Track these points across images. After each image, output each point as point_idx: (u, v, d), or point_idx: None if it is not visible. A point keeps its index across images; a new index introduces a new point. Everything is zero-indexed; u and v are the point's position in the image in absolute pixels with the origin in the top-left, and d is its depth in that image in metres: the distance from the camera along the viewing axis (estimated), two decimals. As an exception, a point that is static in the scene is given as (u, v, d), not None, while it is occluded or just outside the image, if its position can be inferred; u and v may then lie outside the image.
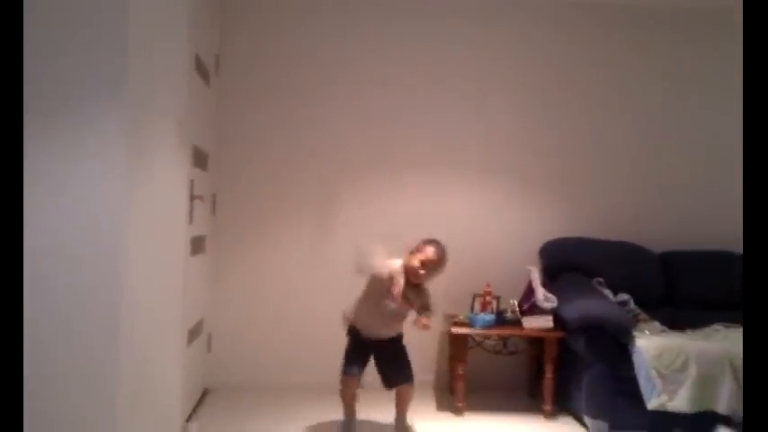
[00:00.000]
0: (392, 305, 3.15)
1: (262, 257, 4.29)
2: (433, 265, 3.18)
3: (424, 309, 3.19)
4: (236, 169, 4.27)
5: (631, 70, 4.53)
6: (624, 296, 3.94)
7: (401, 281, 3.15)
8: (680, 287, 4.14)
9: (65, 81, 2.20)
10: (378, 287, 3.20)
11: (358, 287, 4.23)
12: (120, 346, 2.42)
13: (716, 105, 4.54)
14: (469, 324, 3.80)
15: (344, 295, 4.24)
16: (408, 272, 3.18)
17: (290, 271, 4.29)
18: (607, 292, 3.94)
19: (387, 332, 3.31)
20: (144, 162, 2.56)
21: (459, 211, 4.39)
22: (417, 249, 3.20)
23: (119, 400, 2.43)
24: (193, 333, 3.67)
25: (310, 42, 4.36)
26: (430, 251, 3.17)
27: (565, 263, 4.19)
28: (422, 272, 3.16)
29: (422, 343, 4.30)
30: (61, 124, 2.15)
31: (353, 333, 3.36)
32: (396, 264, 3.20)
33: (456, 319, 3.86)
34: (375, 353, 3.33)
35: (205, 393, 4.06)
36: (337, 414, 3.56)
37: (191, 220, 3.42)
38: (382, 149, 4.38)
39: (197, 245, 3.69)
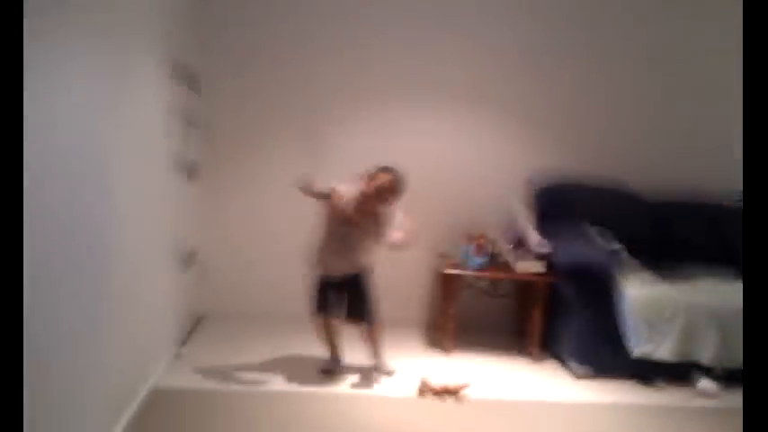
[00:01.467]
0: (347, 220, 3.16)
1: (254, 185, 4.23)
2: (387, 192, 3.15)
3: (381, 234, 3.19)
4: (229, 97, 4.13)
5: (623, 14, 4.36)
6: (615, 244, 3.95)
7: (350, 201, 3.17)
8: (671, 237, 4.14)
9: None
10: (333, 216, 3.20)
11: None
12: (112, 265, 2.40)
13: (712, 50, 4.39)
14: (463, 265, 3.81)
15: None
16: (364, 198, 3.18)
17: (281, 201, 4.20)
18: (599, 238, 3.95)
19: (348, 266, 3.27)
20: (126, 77, 2.51)
21: (446, 142, 4.29)
22: (371, 177, 3.19)
23: (112, 319, 2.43)
24: (188, 260, 3.66)
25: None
26: (383, 177, 3.16)
27: (557, 206, 4.14)
28: (374, 197, 3.15)
29: (412, 281, 4.35)
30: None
31: (317, 273, 3.34)
32: (349, 189, 3.21)
33: (449, 260, 3.87)
34: (339, 290, 3.31)
35: (199, 320, 4.08)
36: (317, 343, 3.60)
37: (168, 136, 3.27)
38: (365, 77, 4.22)
39: (191, 170, 3.61)
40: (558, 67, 4.31)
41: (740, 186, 4.06)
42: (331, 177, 3.26)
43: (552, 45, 4.30)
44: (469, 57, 4.27)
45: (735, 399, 3.31)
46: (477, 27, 4.26)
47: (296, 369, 3.40)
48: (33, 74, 1.66)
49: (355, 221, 3.16)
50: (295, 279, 4.21)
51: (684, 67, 4.41)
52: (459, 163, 4.30)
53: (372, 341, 3.41)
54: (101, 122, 2.26)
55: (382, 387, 3.28)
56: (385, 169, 3.20)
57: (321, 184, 3.14)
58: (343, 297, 3.31)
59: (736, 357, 3.40)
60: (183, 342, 3.63)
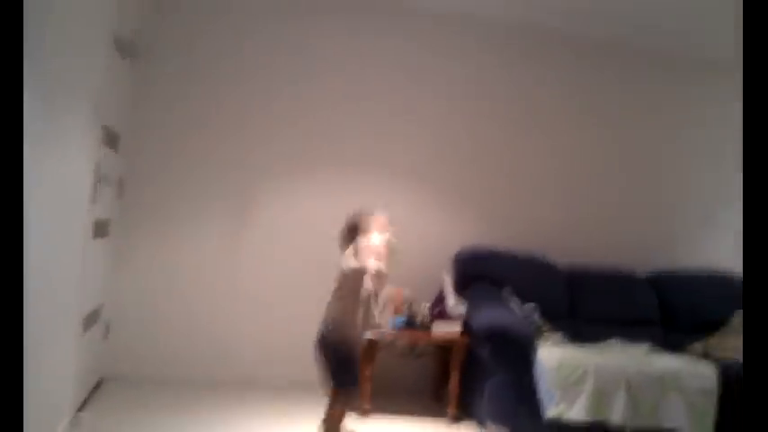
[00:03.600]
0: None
1: (170, 246, 4.12)
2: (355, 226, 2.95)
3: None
4: (148, 153, 4.09)
5: (550, 89, 4.68)
6: (530, 307, 4.05)
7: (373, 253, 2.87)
8: (583, 302, 4.30)
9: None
10: (351, 281, 2.88)
11: (267, 281, 4.18)
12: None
13: (629, 122, 4.79)
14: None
15: (255, 287, 4.18)
16: (375, 251, 2.90)
17: (199, 261, 4.14)
18: (514, 302, 4.03)
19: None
20: (50, 139, 2.42)
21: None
22: (365, 225, 2.94)
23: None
24: (91, 319, 3.48)
25: (234, 33, 4.25)
26: (381, 218, 2.98)
27: (476, 271, 4.27)
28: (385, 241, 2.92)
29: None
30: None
31: (345, 340, 2.92)
32: (354, 256, 2.91)
33: (366, 321, 3.84)
34: None
35: (100, 383, 3.85)
36: (233, 414, 3.46)
37: (94, 201, 3.24)
38: (302, 145, 4.31)
39: (100, 228, 3.50)
40: (484, 142, 4.56)
41: (651, 260, 4.46)
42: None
43: (479, 122, 4.56)
44: (407, 134, 4.46)
45: (643, 459, 3.38)
46: (417, 106, 4.47)
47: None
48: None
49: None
50: (204, 343, 4.11)
51: (602, 141, 4.75)
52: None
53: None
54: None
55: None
56: (367, 211, 3.02)
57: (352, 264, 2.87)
58: None
59: (644, 418, 3.50)
60: (82, 406, 3.40)
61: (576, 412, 3.46)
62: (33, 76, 2.17)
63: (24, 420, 2.48)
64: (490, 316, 3.71)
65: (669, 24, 4.35)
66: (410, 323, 3.84)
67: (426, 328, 3.80)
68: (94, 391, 3.71)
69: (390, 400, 3.95)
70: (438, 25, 4.51)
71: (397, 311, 3.82)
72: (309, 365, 4.10)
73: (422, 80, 4.49)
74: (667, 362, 3.73)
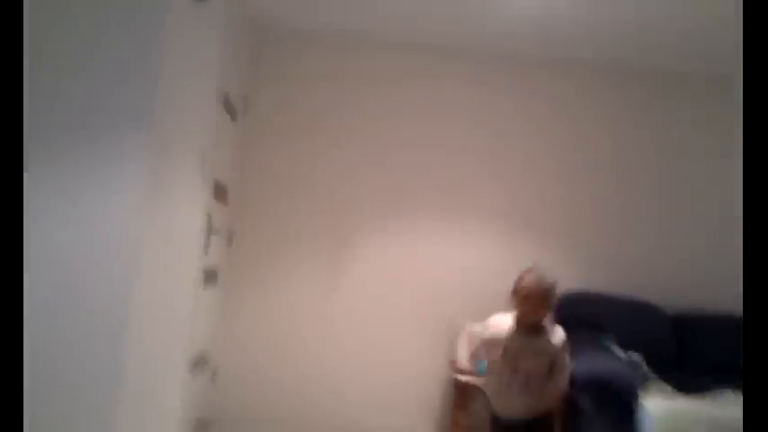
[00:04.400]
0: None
1: (274, 294, 4.33)
2: (536, 296, 2.65)
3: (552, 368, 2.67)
4: (255, 206, 4.36)
5: (639, 128, 4.57)
6: (635, 356, 3.87)
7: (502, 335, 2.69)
8: (692, 350, 4.06)
9: (91, 108, 2.30)
10: (494, 353, 2.73)
11: (370, 328, 4.28)
12: (125, 373, 2.45)
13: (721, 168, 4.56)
14: (476, 372, 3.76)
15: (354, 333, 4.29)
16: (518, 317, 2.69)
17: (302, 309, 4.32)
18: (617, 349, 3.88)
19: (525, 409, 2.77)
20: (163, 193, 2.62)
21: (469, 256, 4.40)
22: (517, 287, 2.72)
23: (123, 422, 2.45)
24: (198, 364, 3.69)
25: (335, 91, 4.51)
26: (526, 279, 2.68)
27: (577, 317, 4.12)
28: (525, 307, 2.65)
29: (424, 388, 4.30)
30: (85, 150, 2.25)
31: (493, 416, 2.91)
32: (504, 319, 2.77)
33: (459, 366, 3.83)
34: None
35: (207, 426, 4.05)
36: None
37: (206, 252, 3.48)
38: (397, 194, 4.45)
39: (210, 277, 3.73)
40: (575, 183, 4.51)
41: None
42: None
43: (568, 163, 4.52)
44: (495, 177, 4.50)
45: None
46: (503, 147, 4.53)
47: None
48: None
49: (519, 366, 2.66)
50: (308, 390, 4.23)
51: (699, 179, 4.54)
52: (480, 272, 4.36)
53: None
54: (136, 228, 2.39)
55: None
56: (527, 271, 2.73)
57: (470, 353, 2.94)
58: None
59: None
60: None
61: (687, 469, 3.26)
62: (149, 132, 2.39)
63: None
64: (591, 363, 3.58)
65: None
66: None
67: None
68: (201, 432, 3.91)
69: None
70: (537, 69, 4.58)
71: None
72: (407, 411, 4.19)
73: (518, 118, 4.54)
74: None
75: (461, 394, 3.77)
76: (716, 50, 4.22)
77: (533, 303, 2.65)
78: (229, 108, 3.82)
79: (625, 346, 3.91)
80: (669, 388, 3.76)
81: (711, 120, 4.58)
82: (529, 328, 2.67)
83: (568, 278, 4.31)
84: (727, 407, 3.54)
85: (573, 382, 3.59)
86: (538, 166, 4.50)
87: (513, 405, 2.78)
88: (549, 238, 4.42)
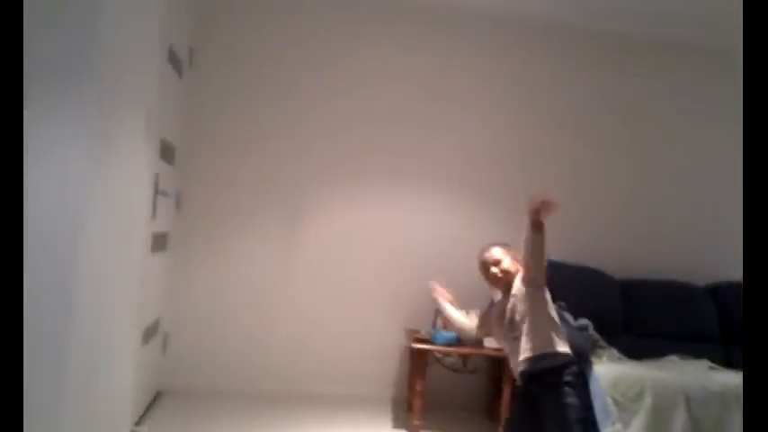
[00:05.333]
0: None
1: (227, 259, 4.19)
2: (485, 268, 2.69)
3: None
4: (205, 166, 4.17)
5: (600, 106, 4.59)
6: (584, 321, 3.96)
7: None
8: (639, 316, 4.17)
9: (31, 60, 2.12)
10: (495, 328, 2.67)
11: (326, 295, 4.22)
12: (72, 339, 2.33)
13: (688, 133, 4.66)
14: (431, 340, 3.76)
15: (308, 304, 4.21)
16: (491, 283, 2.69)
17: (256, 273, 4.19)
18: (568, 315, 3.95)
19: (521, 362, 2.45)
20: (108, 152, 2.47)
21: (424, 222, 4.36)
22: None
23: (68, 395, 2.33)
24: (149, 332, 3.56)
25: (284, 43, 4.29)
26: (478, 259, 2.73)
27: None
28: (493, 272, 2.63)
29: (381, 356, 4.28)
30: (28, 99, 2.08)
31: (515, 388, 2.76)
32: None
33: (417, 335, 3.83)
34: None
35: (158, 396, 3.93)
36: (293, 428, 3.46)
37: (154, 216, 3.31)
38: (354, 153, 4.33)
39: (159, 241, 3.57)
40: (530, 153, 4.49)
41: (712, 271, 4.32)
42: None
43: (534, 137, 4.50)
44: (457, 146, 4.43)
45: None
46: (457, 117, 4.44)
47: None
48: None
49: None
50: (262, 355, 4.15)
51: (657, 155, 4.64)
52: (437, 241, 4.34)
53: None
54: (79, 189, 2.25)
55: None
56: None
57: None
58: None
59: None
60: (140, 420, 3.47)
61: (634, 431, 3.37)
62: (90, 88, 2.23)
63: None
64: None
65: None
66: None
67: (478, 341, 3.75)
68: (152, 404, 3.79)
69: (442, 416, 3.92)
70: (494, 27, 4.49)
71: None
72: (363, 379, 4.18)
73: (479, 93, 4.46)
74: (729, 379, 3.60)
75: (418, 362, 3.77)
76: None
77: (488, 275, 2.69)
78: (174, 62, 3.61)
79: (576, 312, 3.99)
80: (617, 353, 3.88)
81: (668, 84, 4.65)
82: (505, 291, 2.67)
83: (520, 246, 4.35)
84: (672, 371, 3.68)
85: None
86: (495, 133, 4.46)
87: (520, 363, 2.49)
88: (504, 206, 4.40)
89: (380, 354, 4.27)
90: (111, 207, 2.63)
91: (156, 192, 3.32)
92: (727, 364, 3.90)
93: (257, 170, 4.22)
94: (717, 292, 4.33)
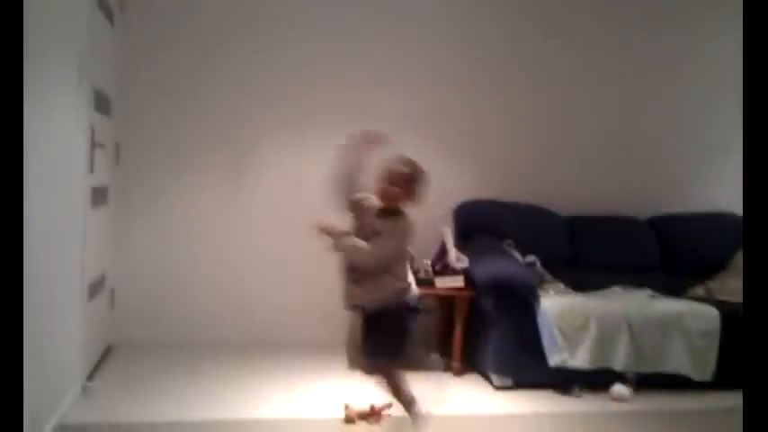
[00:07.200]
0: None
1: (171, 209, 4.10)
2: (403, 177, 2.62)
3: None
4: (142, 117, 4.02)
5: (544, 40, 4.57)
6: (531, 258, 4.06)
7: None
8: (584, 250, 4.31)
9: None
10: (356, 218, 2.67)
11: (271, 243, 4.18)
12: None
13: (626, 70, 4.71)
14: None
15: (256, 251, 4.18)
16: (379, 194, 2.61)
17: (200, 225, 4.13)
18: (516, 253, 4.04)
19: (360, 295, 2.73)
20: (39, 104, 2.34)
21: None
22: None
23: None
24: (95, 288, 3.49)
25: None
26: (392, 161, 2.65)
27: (477, 224, 4.26)
28: (389, 186, 2.59)
29: (332, 300, 4.30)
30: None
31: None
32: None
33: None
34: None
35: (109, 350, 3.89)
36: (248, 375, 3.48)
37: (92, 169, 3.20)
38: (296, 97, 4.22)
39: (99, 196, 3.47)
40: (482, 94, 4.49)
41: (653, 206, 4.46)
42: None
43: (477, 74, 4.47)
44: (399, 85, 4.36)
45: (647, 402, 3.47)
46: (408, 56, 4.36)
47: (212, 399, 3.25)
48: None
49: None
50: (209, 307, 4.13)
51: (599, 89, 4.69)
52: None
53: (388, 390, 2.88)
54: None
55: (306, 411, 3.20)
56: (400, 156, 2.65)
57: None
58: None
59: (646, 362, 3.56)
60: (91, 375, 3.43)
61: (580, 360, 3.51)
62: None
63: (34, 391, 2.50)
64: (492, 267, 3.72)
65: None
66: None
67: (429, 282, 3.81)
68: (103, 358, 3.75)
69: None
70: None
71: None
72: (316, 324, 4.19)
73: (422, 30, 4.38)
74: (669, 306, 3.77)
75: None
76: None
77: (388, 185, 2.61)
78: (105, 9, 3.43)
79: (522, 249, 4.09)
80: (563, 286, 4.01)
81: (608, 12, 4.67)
82: (385, 208, 2.62)
83: (467, 187, 4.41)
84: (615, 301, 3.83)
85: (475, 285, 3.74)
86: (437, 75, 4.42)
87: (349, 289, 2.73)
88: (449, 148, 4.42)
89: (331, 298, 4.28)
90: (48, 161, 2.52)
91: (93, 144, 3.20)
92: (667, 292, 4.07)
93: (198, 119, 4.10)
94: (657, 224, 4.50)
